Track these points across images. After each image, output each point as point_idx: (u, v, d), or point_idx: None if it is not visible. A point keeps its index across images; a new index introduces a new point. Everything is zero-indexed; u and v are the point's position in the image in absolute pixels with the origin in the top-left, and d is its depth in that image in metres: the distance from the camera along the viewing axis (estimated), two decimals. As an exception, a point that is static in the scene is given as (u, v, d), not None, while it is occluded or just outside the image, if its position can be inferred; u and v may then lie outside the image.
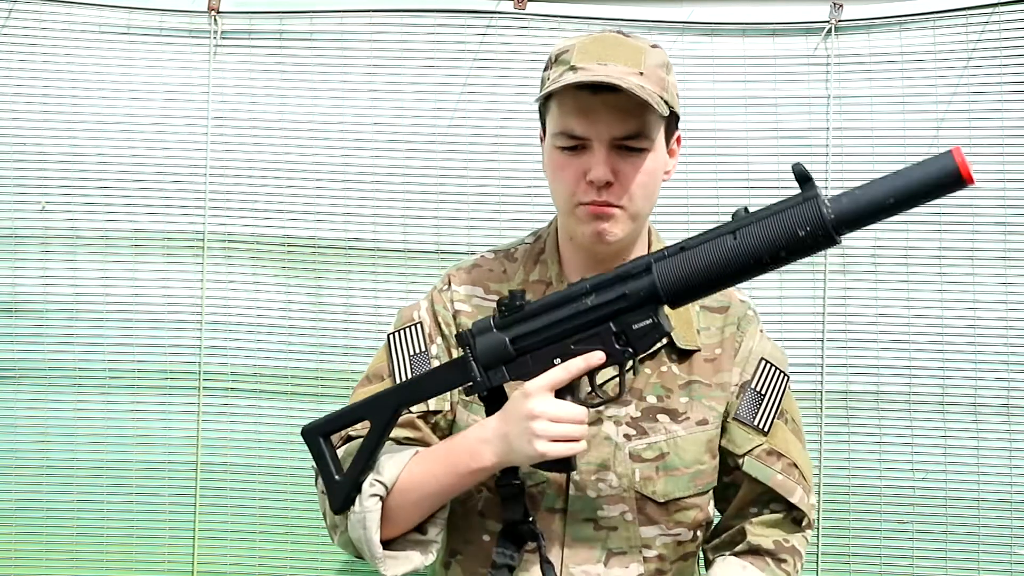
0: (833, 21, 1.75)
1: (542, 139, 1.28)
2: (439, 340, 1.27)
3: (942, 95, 1.74)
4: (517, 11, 1.81)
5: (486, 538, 1.23)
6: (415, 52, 1.83)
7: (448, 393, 1.25)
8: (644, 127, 1.18)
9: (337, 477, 1.21)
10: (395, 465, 1.19)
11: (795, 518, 1.26)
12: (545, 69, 1.23)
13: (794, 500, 1.25)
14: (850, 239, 1.74)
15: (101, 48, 1.86)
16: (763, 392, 1.26)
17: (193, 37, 1.85)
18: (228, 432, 1.85)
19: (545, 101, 1.22)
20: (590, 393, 1.15)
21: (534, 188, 1.81)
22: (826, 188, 1.77)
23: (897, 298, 1.76)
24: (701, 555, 1.31)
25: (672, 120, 1.23)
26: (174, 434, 1.86)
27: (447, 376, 1.18)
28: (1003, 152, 1.73)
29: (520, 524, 1.18)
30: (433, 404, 1.26)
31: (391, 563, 1.19)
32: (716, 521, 1.31)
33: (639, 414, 1.23)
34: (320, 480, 1.24)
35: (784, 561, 1.24)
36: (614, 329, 1.10)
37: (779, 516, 1.26)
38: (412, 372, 1.25)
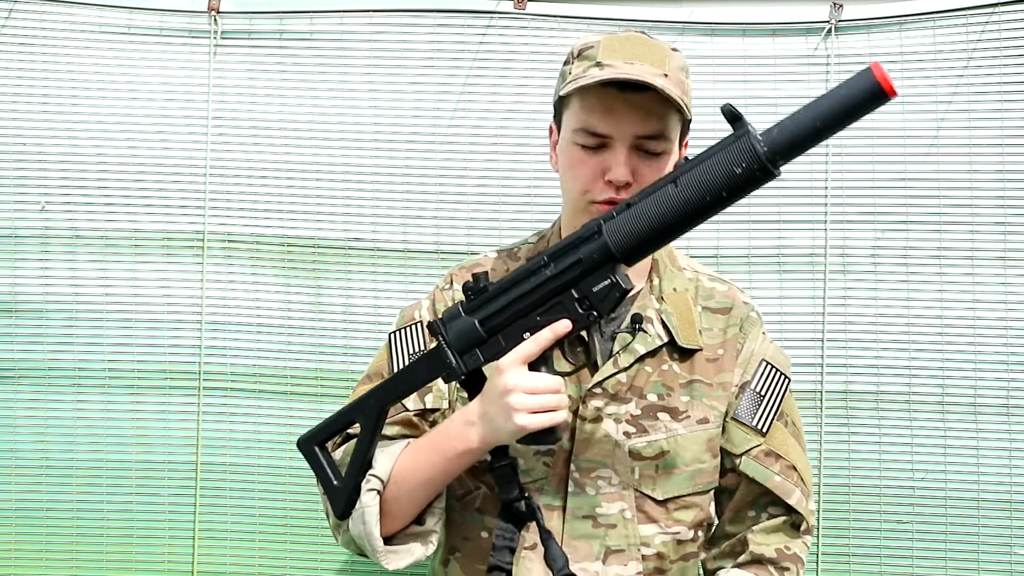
0: (833, 21, 1.75)
1: (551, 133, 1.28)
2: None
3: (942, 95, 1.74)
4: (517, 11, 1.81)
5: (484, 535, 1.24)
6: (415, 52, 1.83)
7: (446, 390, 1.25)
8: (666, 129, 1.18)
9: (336, 483, 1.22)
10: (388, 458, 1.21)
11: (794, 523, 1.25)
12: (566, 64, 1.23)
13: (791, 502, 1.24)
14: (850, 239, 1.76)
15: (101, 48, 1.86)
16: (763, 393, 1.26)
17: (193, 37, 1.85)
18: (228, 432, 1.85)
19: (565, 96, 1.21)
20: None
21: (534, 188, 1.81)
22: (826, 188, 1.77)
23: (897, 298, 1.76)
24: (702, 566, 1.31)
25: (685, 124, 1.24)
26: (174, 434, 1.85)
27: (425, 368, 1.19)
28: (1003, 152, 1.73)
29: (517, 503, 1.18)
30: (430, 402, 1.27)
31: (393, 557, 1.20)
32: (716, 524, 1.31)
33: (639, 412, 1.23)
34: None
35: (787, 569, 1.24)
36: (576, 295, 1.10)
37: (779, 521, 1.25)
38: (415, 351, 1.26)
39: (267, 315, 1.85)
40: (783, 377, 1.29)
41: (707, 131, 1.78)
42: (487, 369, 1.16)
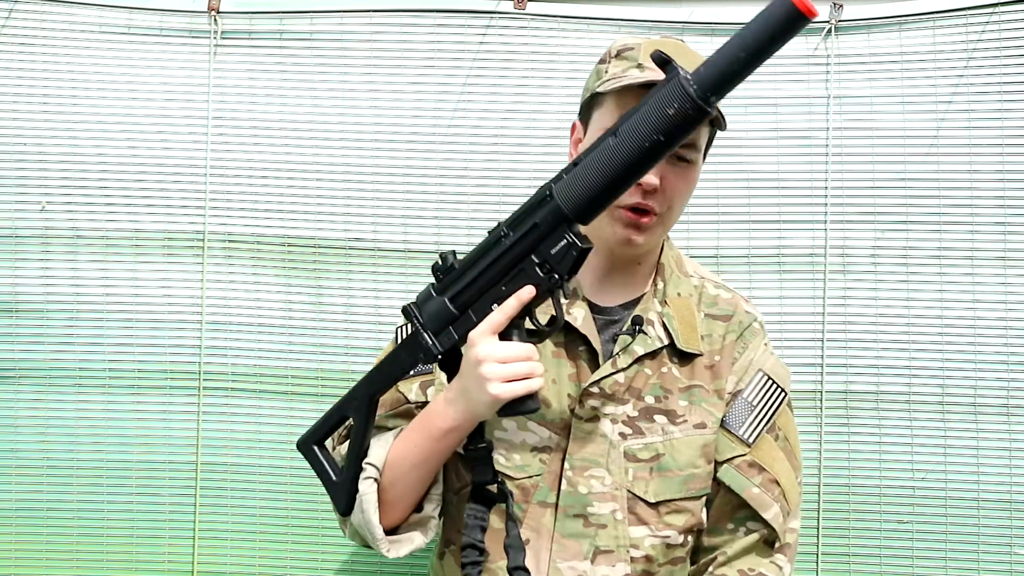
0: (833, 21, 1.75)
1: (573, 130, 1.29)
2: None
3: (942, 95, 1.74)
4: (517, 11, 1.81)
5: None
6: (415, 52, 1.83)
7: (446, 381, 1.26)
8: (698, 139, 1.20)
9: (335, 479, 1.23)
10: (382, 447, 1.22)
11: (768, 539, 1.24)
12: (601, 62, 1.24)
13: (767, 516, 1.23)
14: (850, 239, 1.76)
15: (101, 48, 1.86)
16: (755, 403, 1.26)
17: (193, 37, 1.85)
18: (228, 432, 1.85)
19: (599, 95, 1.22)
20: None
21: (534, 188, 1.81)
22: (826, 187, 1.77)
23: (897, 298, 1.76)
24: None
25: (711, 138, 1.25)
26: (174, 434, 1.86)
27: (405, 353, 1.20)
28: (1003, 152, 1.73)
29: (488, 485, 1.20)
30: (432, 394, 1.28)
31: (393, 545, 1.22)
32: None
33: (636, 413, 1.24)
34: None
35: None
36: (536, 260, 1.11)
37: (753, 539, 1.24)
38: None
39: (268, 315, 1.85)
40: (780, 391, 1.28)
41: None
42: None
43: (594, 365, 1.24)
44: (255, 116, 1.85)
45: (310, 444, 1.27)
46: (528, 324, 1.15)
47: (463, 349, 1.16)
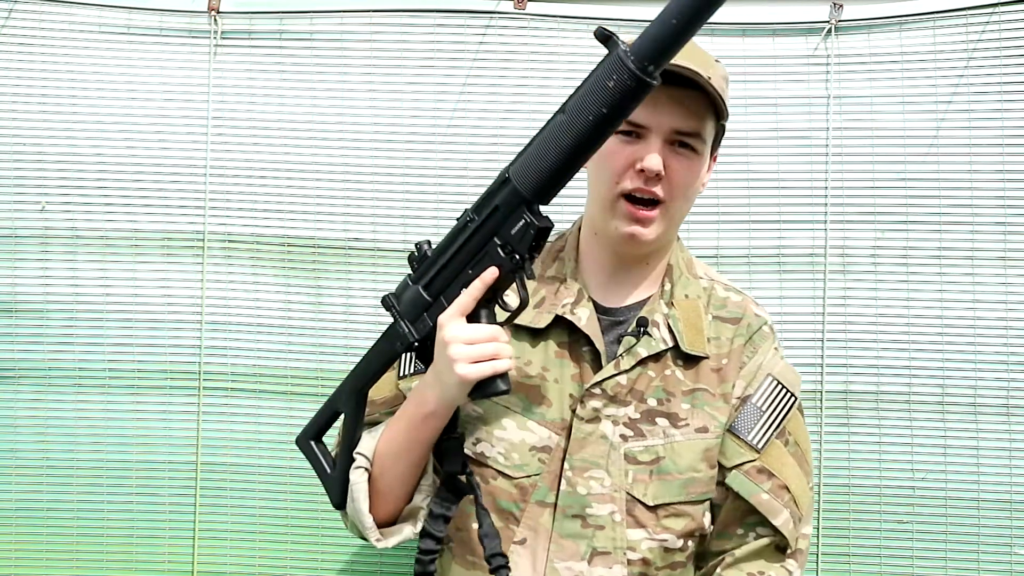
0: (833, 21, 1.75)
1: None
2: None
3: (942, 95, 1.74)
4: (516, 11, 1.81)
5: (474, 525, 1.24)
6: (414, 52, 1.83)
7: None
8: (702, 130, 1.20)
9: (330, 472, 1.25)
10: (372, 437, 1.24)
11: (779, 545, 1.24)
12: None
13: (777, 523, 1.22)
14: (850, 239, 1.76)
15: (100, 48, 1.85)
16: (764, 408, 1.25)
17: (193, 37, 1.85)
18: (228, 432, 1.85)
19: None
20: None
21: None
22: (826, 187, 1.77)
23: (897, 298, 1.76)
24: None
25: (719, 135, 1.25)
26: (174, 434, 1.85)
27: (386, 344, 1.22)
28: (1003, 152, 1.73)
29: (458, 476, 1.21)
30: None
31: (383, 536, 1.24)
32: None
33: (638, 416, 1.23)
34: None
35: None
36: (498, 242, 1.13)
37: (763, 543, 1.24)
38: (417, 363, 1.27)
39: (267, 315, 1.85)
40: (789, 396, 1.27)
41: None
42: None
43: (597, 366, 1.24)
44: (254, 116, 1.85)
45: (307, 440, 1.30)
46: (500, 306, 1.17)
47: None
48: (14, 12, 1.85)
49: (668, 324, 1.25)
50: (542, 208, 1.12)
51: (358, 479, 1.22)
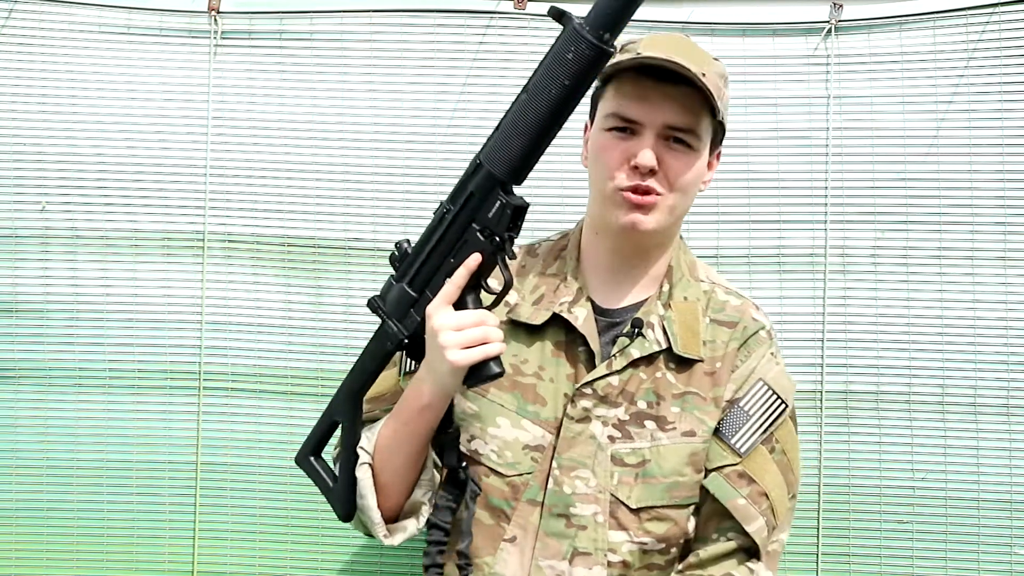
0: (833, 21, 1.75)
1: (585, 130, 1.29)
2: None
3: (942, 95, 1.74)
4: (516, 11, 1.81)
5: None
6: (414, 52, 1.83)
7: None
8: (696, 125, 1.19)
9: (332, 485, 1.25)
10: (372, 433, 1.25)
11: (748, 549, 1.22)
12: None
13: (750, 529, 1.21)
14: (850, 239, 1.76)
15: (100, 48, 1.85)
16: (751, 413, 1.24)
17: (193, 37, 1.85)
18: (228, 432, 1.85)
19: (601, 87, 1.23)
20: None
21: (534, 188, 1.81)
22: (826, 187, 1.77)
23: (897, 298, 1.76)
24: None
25: (718, 134, 1.24)
26: (175, 434, 1.85)
27: (376, 345, 1.23)
28: (1003, 152, 1.73)
29: (458, 470, 1.22)
30: None
31: (390, 532, 1.24)
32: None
33: (627, 417, 1.23)
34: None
35: None
36: (477, 228, 1.14)
37: (731, 545, 1.22)
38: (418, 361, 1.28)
39: (267, 315, 1.85)
40: (780, 403, 1.26)
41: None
42: None
43: (591, 366, 1.24)
44: (254, 116, 1.85)
45: (306, 457, 1.29)
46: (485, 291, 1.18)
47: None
48: (14, 12, 1.85)
49: (663, 326, 1.25)
50: (517, 189, 1.14)
51: (363, 475, 1.22)
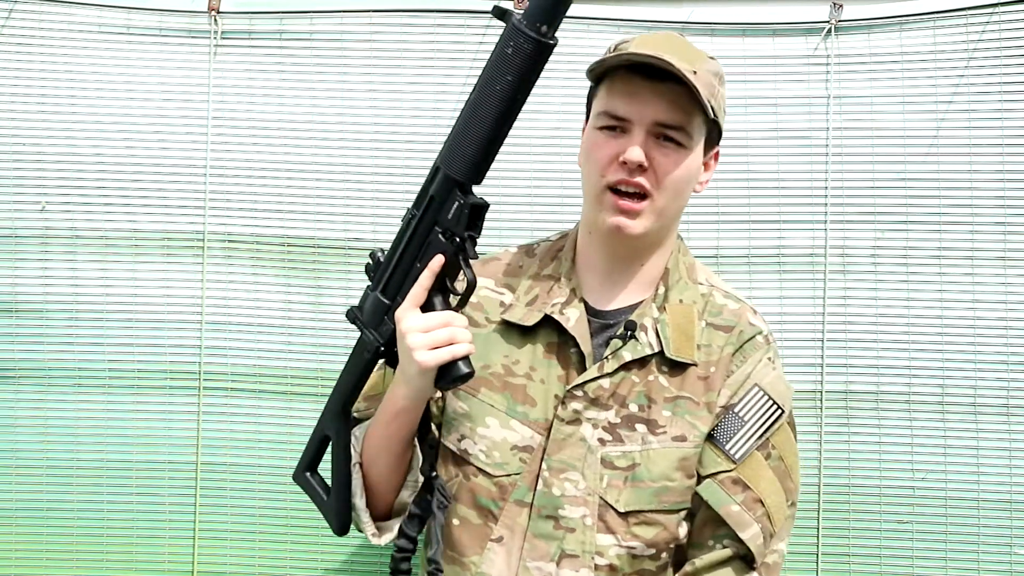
0: (833, 21, 1.75)
1: (583, 132, 1.30)
2: None
3: (942, 95, 1.74)
4: (516, 11, 1.80)
5: (456, 522, 1.26)
6: (414, 52, 1.83)
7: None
8: (687, 123, 1.19)
9: (326, 500, 1.27)
10: (362, 433, 1.28)
11: (745, 558, 1.21)
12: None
13: (744, 536, 1.19)
14: (850, 239, 1.76)
15: (100, 48, 1.85)
16: (746, 419, 1.22)
17: (193, 37, 1.85)
18: (228, 432, 1.85)
19: (594, 86, 1.24)
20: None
21: (534, 188, 1.81)
22: (826, 187, 1.77)
23: (897, 298, 1.76)
24: None
25: (714, 133, 1.24)
26: (175, 434, 1.85)
27: (357, 355, 1.25)
28: (1003, 152, 1.73)
29: (430, 479, 1.24)
30: None
31: (379, 531, 1.27)
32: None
33: (618, 420, 1.22)
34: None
35: None
36: (439, 230, 1.16)
37: (726, 553, 1.21)
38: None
39: (267, 315, 1.85)
40: (776, 408, 1.24)
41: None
42: None
43: (583, 368, 1.23)
44: (254, 116, 1.85)
45: (302, 473, 1.31)
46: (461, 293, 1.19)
47: None
48: (14, 12, 1.85)
49: (656, 329, 1.24)
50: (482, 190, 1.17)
51: (354, 475, 1.25)
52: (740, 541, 1.20)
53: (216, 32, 1.84)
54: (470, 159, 1.12)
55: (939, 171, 1.74)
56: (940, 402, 1.75)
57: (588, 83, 1.28)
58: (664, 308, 1.25)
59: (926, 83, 1.74)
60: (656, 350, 1.23)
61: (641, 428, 1.22)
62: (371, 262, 1.23)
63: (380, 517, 1.27)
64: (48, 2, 1.85)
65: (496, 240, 1.77)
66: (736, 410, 1.23)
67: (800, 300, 1.78)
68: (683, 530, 1.25)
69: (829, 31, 1.76)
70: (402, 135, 1.83)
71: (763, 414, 1.23)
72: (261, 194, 1.85)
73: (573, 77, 1.78)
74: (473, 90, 1.11)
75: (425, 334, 1.14)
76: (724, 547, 1.21)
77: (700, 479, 1.23)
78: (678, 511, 1.23)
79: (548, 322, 1.26)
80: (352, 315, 1.25)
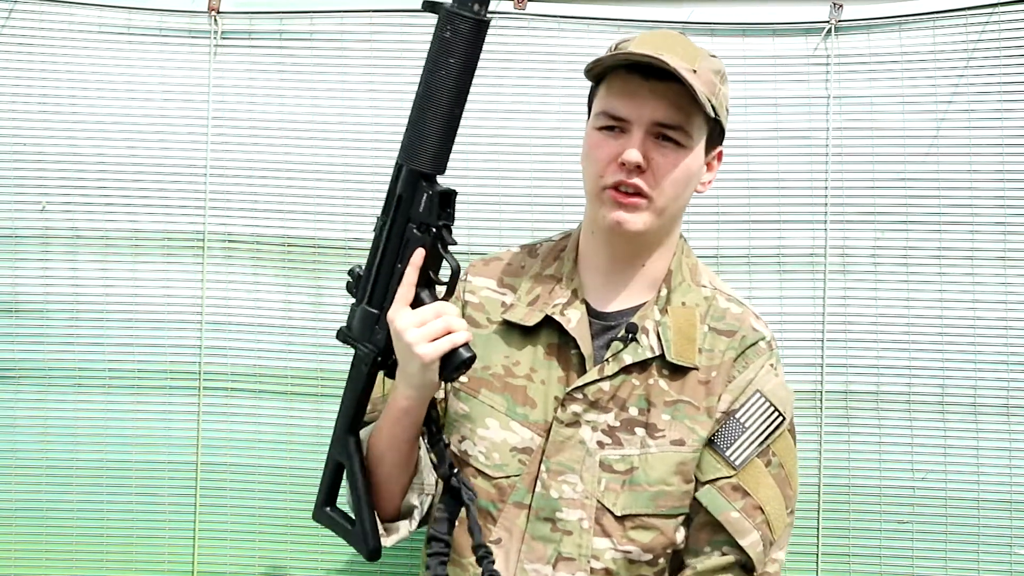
0: (833, 21, 1.75)
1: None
2: None
3: (942, 95, 1.74)
4: (516, 11, 1.81)
5: (457, 524, 1.25)
6: (414, 52, 1.83)
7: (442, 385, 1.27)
8: (687, 123, 1.18)
9: (351, 529, 1.26)
10: (366, 437, 1.27)
11: (745, 565, 1.20)
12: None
13: (744, 543, 1.18)
14: (850, 239, 1.76)
15: (100, 48, 1.85)
16: (747, 425, 1.21)
17: (193, 37, 1.85)
18: (228, 432, 1.85)
19: (595, 86, 1.24)
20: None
21: (534, 188, 1.81)
22: (826, 187, 1.77)
23: (897, 298, 1.76)
24: None
25: (716, 133, 1.23)
26: (174, 434, 1.85)
27: (355, 372, 1.25)
28: (1003, 152, 1.73)
29: (451, 479, 1.22)
30: None
31: (387, 531, 1.26)
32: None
33: (617, 424, 1.21)
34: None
35: None
36: (413, 226, 1.17)
37: (726, 560, 1.20)
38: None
39: (267, 315, 1.85)
40: (777, 415, 1.23)
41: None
42: None
43: (583, 370, 1.23)
44: (255, 116, 1.85)
45: (321, 508, 1.30)
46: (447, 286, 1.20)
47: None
48: (14, 12, 1.85)
49: (657, 332, 1.23)
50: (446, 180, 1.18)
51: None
52: (739, 548, 1.20)
53: (216, 32, 1.84)
54: (430, 149, 1.14)
55: (939, 171, 1.74)
56: (940, 402, 1.74)
57: (588, 83, 1.28)
58: (666, 311, 1.25)
59: (926, 83, 1.74)
60: (657, 353, 1.22)
61: (640, 432, 1.21)
62: (351, 279, 1.23)
63: (387, 518, 1.27)
64: (48, 2, 1.85)
65: (496, 240, 1.77)
66: (737, 416, 1.22)
67: (800, 300, 1.78)
68: (680, 535, 1.24)
69: (829, 31, 1.76)
70: (402, 135, 1.83)
71: (764, 421, 1.23)
72: (261, 194, 1.85)
73: (573, 77, 1.78)
74: (420, 83, 1.14)
75: (421, 328, 1.14)
76: (723, 554, 1.21)
77: (699, 485, 1.22)
78: (676, 516, 1.23)
79: (549, 323, 1.26)
80: (342, 335, 1.25)
